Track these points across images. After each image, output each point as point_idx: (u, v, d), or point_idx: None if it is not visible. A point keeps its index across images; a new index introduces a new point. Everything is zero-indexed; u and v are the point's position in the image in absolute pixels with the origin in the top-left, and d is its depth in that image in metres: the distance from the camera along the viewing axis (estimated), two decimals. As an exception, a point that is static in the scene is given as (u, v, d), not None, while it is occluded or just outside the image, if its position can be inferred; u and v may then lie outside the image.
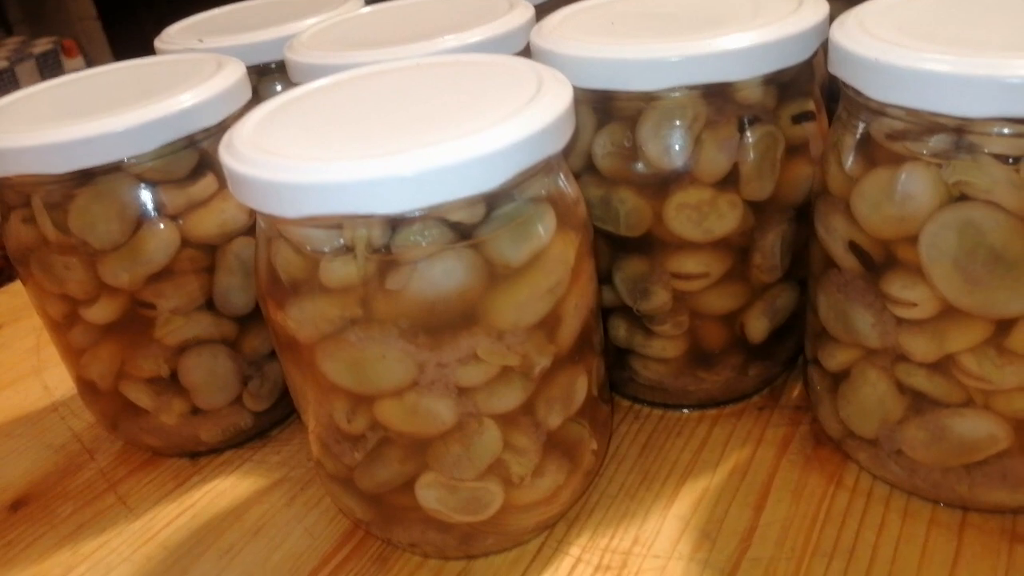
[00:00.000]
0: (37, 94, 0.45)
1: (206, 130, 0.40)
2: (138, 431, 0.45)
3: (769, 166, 0.37)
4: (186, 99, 0.39)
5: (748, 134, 0.36)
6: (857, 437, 0.37)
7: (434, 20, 0.48)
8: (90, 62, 2.28)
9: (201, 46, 0.50)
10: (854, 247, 0.33)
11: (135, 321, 0.41)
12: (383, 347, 0.30)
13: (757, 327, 0.41)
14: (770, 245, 0.39)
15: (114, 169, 0.38)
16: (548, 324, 0.32)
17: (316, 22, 0.51)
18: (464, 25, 0.44)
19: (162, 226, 0.39)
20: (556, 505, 0.36)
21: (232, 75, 0.41)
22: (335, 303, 0.30)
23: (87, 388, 0.45)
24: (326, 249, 0.30)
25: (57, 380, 0.56)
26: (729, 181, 0.36)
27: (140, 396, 0.43)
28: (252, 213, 0.41)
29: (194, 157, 0.40)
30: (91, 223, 0.38)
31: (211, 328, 0.42)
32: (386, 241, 0.29)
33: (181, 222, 0.40)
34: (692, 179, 0.36)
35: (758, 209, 0.37)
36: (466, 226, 0.30)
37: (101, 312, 0.40)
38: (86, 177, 0.38)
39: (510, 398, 0.32)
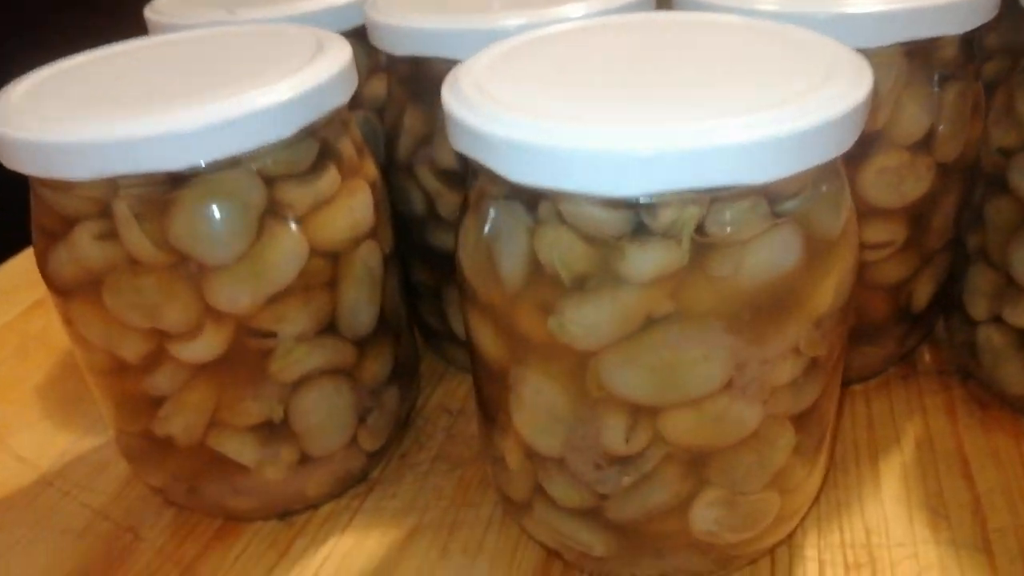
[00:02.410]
0: (84, 68, 0.34)
1: (330, 114, 0.32)
2: (224, 494, 0.35)
3: (962, 125, 0.35)
4: (311, 78, 0.30)
5: (944, 92, 0.34)
6: (1051, 393, 0.37)
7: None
8: None
9: (233, 18, 0.40)
10: (1084, 198, 0.32)
11: (244, 355, 0.32)
12: (704, 346, 0.25)
13: (924, 294, 0.39)
14: (950, 208, 0.37)
15: (230, 165, 0.29)
16: (848, 306, 0.28)
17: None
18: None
19: (291, 231, 0.31)
20: (806, 506, 0.32)
21: (343, 51, 0.33)
22: (643, 298, 0.25)
23: (151, 447, 0.35)
24: (626, 233, 0.24)
25: (33, 447, 0.44)
26: (924, 143, 0.35)
27: (241, 449, 0.34)
28: (377, 205, 0.34)
29: (315, 147, 0.32)
30: (201, 232, 0.29)
31: (334, 355, 0.34)
32: (701, 221, 0.24)
33: (306, 226, 0.32)
34: (890, 142, 0.34)
35: (944, 171, 0.36)
36: (783, 200, 0.25)
37: (205, 347, 0.31)
38: (187, 176, 0.29)
39: (811, 394, 0.28)
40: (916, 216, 0.36)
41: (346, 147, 0.33)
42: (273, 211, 0.31)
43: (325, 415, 0.35)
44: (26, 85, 0.33)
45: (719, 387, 0.26)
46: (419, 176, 0.39)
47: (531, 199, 0.26)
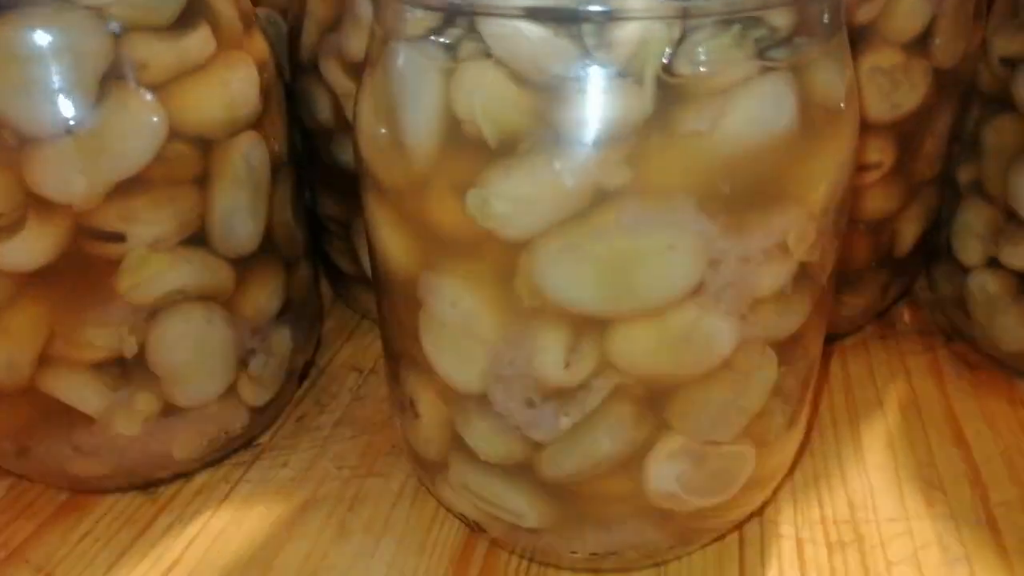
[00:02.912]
0: None
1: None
2: (65, 456, 0.28)
3: (964, 23, 0.30)
4: None
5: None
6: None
7: None
8: None
9: None
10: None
11: (83, 264, 0.25)
12: (670, 231, 0.19)
13: (909, 235, 0.34)
14: (943, 129, 0.32)
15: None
16: (843, 208, 0.23)
17: None
18: None
19: (144, 99, 0.24)
20: (783, 469, 0.27)
21: None
22: (592, 163, 0.19)
23: (-35, 394, 0.27)
24: (571, 70, 0.18)
25: None
26: (920, 42, 0.30)
27: (82, 392, 0.27)
28: (266, 86, 0.27)
29: (181, -3, 0.25)
30: (18, 88, 0.22)
31: (203, 273, 0.27)
32: (668, 59, 0.18)
33: (166, 97, 0.25)
34: (883, 38, 0.29)
35: (941, 80, 0.31)
36: (774, 42, 0.19)
37: (28, 249, 0.24)
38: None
39: (798, 314, 0.22)
40: (907, 135, 0.31)
41: (225, 7, 0.27)
42: (121, 71, 0.24)
43: (193, 352, 0.28)
44: None
45: (687, 291, 0.20)
46: (325, 72, 0.33)
47: (448, 32, 0.20)
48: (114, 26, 0.23)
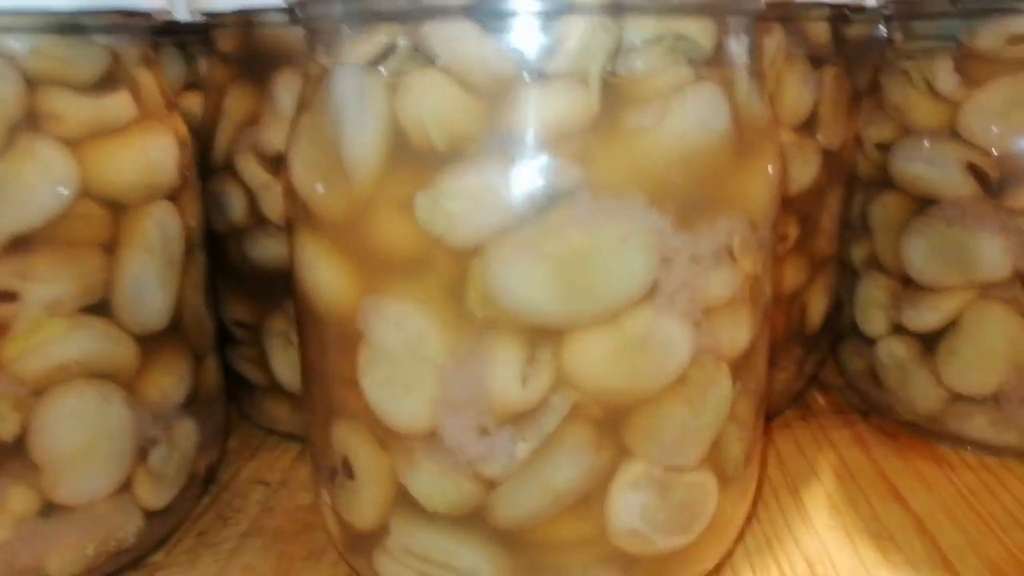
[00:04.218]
0: None
1: (119, 19, 0.25)
2: (-90, 572, 0.23)
3: (842, 110, 0.34)
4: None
5: (823, 73, 0.33)
6: (966, 401, 0.33)
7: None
8: None
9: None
10: (973, 169, 0.31)
11: (-38, 329, 0.22)
12: (624, 224, 0.19)
13: (818, 309, 0.36)
14: (835, 209, 0.35)
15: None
16: (775, 234, 0.23)
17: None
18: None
19: (53, 151, 0.23)
20: (742, 516, 0.25)
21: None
22: (544, 161, 0.19)
23: None
24: (519, 71, 0.19)
25: None
26: (807, 125, 0.33)
27: (-56, 486, 0.23)
28: (184, 164, 0.26)
29: (101, 57, 0.24)
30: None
31: (104, 348, 0.24)
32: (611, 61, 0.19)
33: (79, 153, 0.23)
34: (777, 119, 0.32)
35: (828, 160, 0.34)
36: (701, 57, 0.21)
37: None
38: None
39: (746, 330, 0.22)
40: (805, 211, 0.33)
41: (147, 82, 0.26)
42: (33, 122, 0.22)
43: (85, 436, 0.24)
44: None
45: (642, 288, 0.20)
46: (241, 168, 0.32)
47: (390, 49, 0.20)
48: (29, 75, 0.22)
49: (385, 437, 0.21)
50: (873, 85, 0.36)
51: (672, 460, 0.21)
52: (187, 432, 0.28)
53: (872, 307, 0.35)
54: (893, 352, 0.35)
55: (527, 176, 0.19)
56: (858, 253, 0.36)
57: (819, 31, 0.33)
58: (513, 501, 0.21)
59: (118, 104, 0.25)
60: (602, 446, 0.21)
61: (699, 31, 0.20)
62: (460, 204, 0.19)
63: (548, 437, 0.20)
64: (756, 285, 0.22)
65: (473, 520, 0.21)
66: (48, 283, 0.23)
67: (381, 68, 0.20)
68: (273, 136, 0.31)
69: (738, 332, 0.22)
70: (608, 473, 0.21)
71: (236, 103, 0.33)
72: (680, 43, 0.20)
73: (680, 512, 0.22)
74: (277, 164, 0.32)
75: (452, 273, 0.20)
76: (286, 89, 0.31)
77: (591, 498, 0.21)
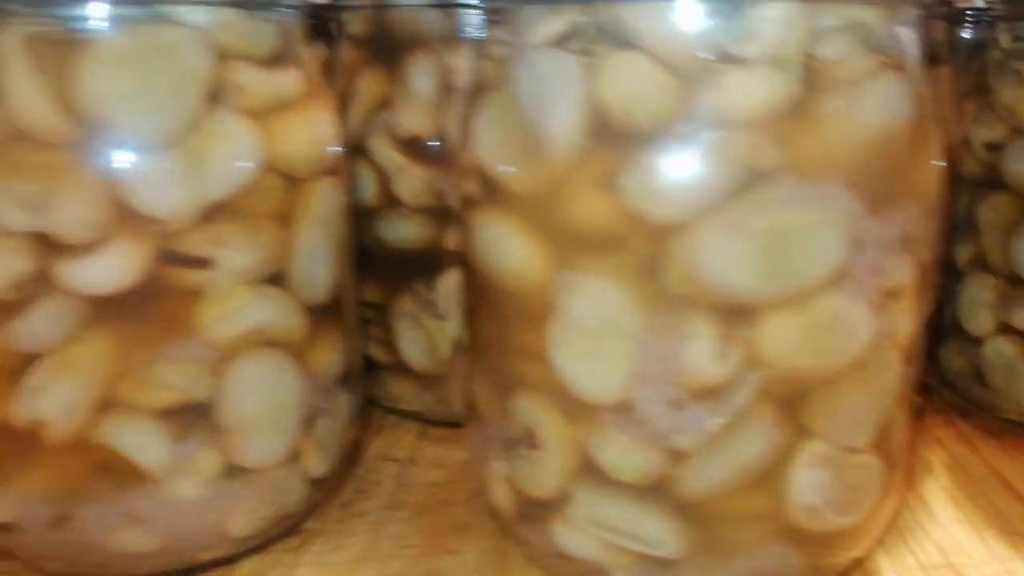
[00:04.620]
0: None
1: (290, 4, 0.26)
2: (111, 525, 0.24)
3: (954, 109, 0.35)
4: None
5: (936, 73, 0.34)
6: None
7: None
8: None
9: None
10: None
11: (163, 293, 0.23)
12: (822, 206, 0.20)
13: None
14: (941, 206, 0.36)
15: (171, 16, 0.23)
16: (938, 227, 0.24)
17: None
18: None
19: (243, 123, 0.24)
20: (895, 506, 0.26)
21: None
22: (746, 142, 0.20)
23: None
24: (720, 55, 0.20)
25: None
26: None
27: (145, 443, 0.24)
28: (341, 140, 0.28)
29: (275, 35, 0.26)
30: (125, 94, 0.22)
31: (282, 317, 0.26)
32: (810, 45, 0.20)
33: (262, 126, 0.25)
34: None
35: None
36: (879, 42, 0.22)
37: (111, 269, 0.22)
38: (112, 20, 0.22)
39: (916, 317, 0.23)
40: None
41: (309, 59, 0.27)
42: (222, 94, 0.24)
43: (266, 402, 0.25)
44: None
45: (836, 270, 0.21)
46: (374, 151, 0.33)
47: (581, 29, 0.21)
48: (218, 48, 0.24)
49: (573, 408, 0.22)
50: (981, 86, 0.37)
51: (847, 441, 0.22)
52: (344, 403, 0.29)
53: (978, 307, 0.36)
54: (1001, 351, 0.36)
55: (730, 157, 0.20)
56: (963, 253, 0.37)
57: (938, 30, 0.34)
58: (700, 473, 0.22)
59: (290, 79, 0.26)
60: (784, 424, 0.22)
61: (878, 21, 0.21)
62: (666, 183, 0.20)
63: (739, 412, 0.21)
64: (925, 274, 0.23)
65: (658, 491, 0.22)
66: (239, 252, 0.24)
67: (574, 50, 0.21)
68: (407, 119, 0.33)
69: (910, 319, 0.23)
70: (789, 450, 0.22)
71: (368, 86, 0.34)
72: (862, 31, 0.21)
73: (851, 492, 0.23)
74: (411, 147, 0.33)
75: (648, 250, 0.21)
76: (421, 72, 0.32)
77: (771, 474, 0.22)
